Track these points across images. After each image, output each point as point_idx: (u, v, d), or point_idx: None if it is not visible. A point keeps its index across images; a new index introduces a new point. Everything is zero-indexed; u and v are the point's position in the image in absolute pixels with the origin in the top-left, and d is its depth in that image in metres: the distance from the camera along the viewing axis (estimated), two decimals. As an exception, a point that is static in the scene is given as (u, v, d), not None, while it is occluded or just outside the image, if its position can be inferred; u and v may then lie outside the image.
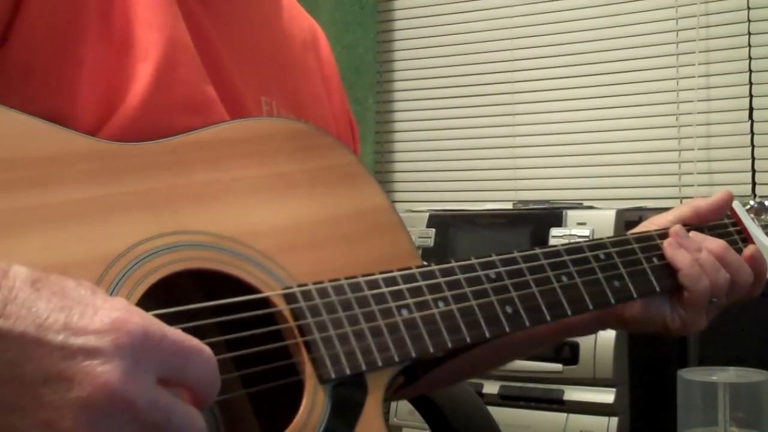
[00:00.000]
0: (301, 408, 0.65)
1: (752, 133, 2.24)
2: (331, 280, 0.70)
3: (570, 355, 1.85)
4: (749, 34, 2.24)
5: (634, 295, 0.87)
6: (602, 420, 1.83)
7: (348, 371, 0.67)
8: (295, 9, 0.99)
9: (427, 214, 2.13)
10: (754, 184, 2.23)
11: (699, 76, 2.29)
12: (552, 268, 0.82)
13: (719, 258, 0.90)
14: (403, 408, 2.03)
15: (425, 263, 0.77)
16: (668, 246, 0.91)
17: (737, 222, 0.99)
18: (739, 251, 0.94)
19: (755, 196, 2.19)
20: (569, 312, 0.82)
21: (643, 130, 2.37)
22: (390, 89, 2.79)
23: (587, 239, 0.90)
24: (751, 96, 2.24)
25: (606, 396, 1.83)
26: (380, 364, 0.69)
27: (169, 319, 0.56)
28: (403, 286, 0.73)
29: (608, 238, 0.89)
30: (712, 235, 0.94)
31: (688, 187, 2.31)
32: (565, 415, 1.88)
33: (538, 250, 0.83)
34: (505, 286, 0.78)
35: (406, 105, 2.76)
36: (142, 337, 0.50)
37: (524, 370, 1.89)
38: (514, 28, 2.56)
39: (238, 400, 0.72)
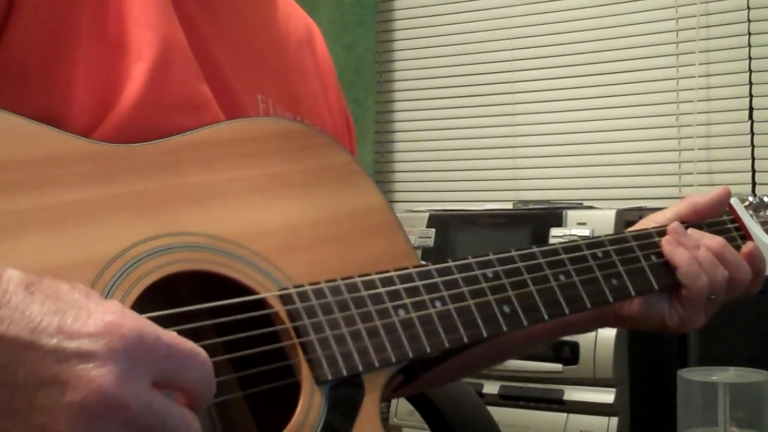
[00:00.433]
0: (298, 409, 0.65)
1: (752, 133, 2.24)
2: (327, 281, 0.70)
3: (570, 355, 1.85)
4: (749, 34, 2.24)
5: (632, 294, 0.87)
6: (602, 420, 1.83)
7: (345, 372, 0.67)
8: (290, 6, 0.99)
9: (427, 214, 2.12)
10: (754, 184, 2.22)
11: (699, 76, 2.29)
12: (550, 267, 0.82)
13: (717, 255, 0.90)
14: (403, 408, 2.03)
15: (423, 263, 0.76)
16: (666, 243, 0.90)
17: (736, 219, 0.99)
18: (738, 248, 0.94)
19: (756, 195, 2.19)
20: (567, 311, 0.81)
21: (643, 130, 2.37)
22: (390, 89, 2.79)
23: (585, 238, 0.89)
24: (751, 96, 2.24)
25: (606, 396, 1.83)
26: (377, 364, 0.68)
27: (166, 321, 0.56)
28: (400, 286, 0.73)
29: (606, 236, 0.89)
30: (710, 232, 0.94)
31: (688, 187, 2.31)
32: (565, 415, 1.87)
33: (535, 249, 0.82)
34: (503, 285, 0.78)
35: (406, 105, 2.76)
36: (136, 340, 0.49)
37: (524, 370, 1.89)
38: (514, 28, 2.56)
39: (235, 402, 0.72)
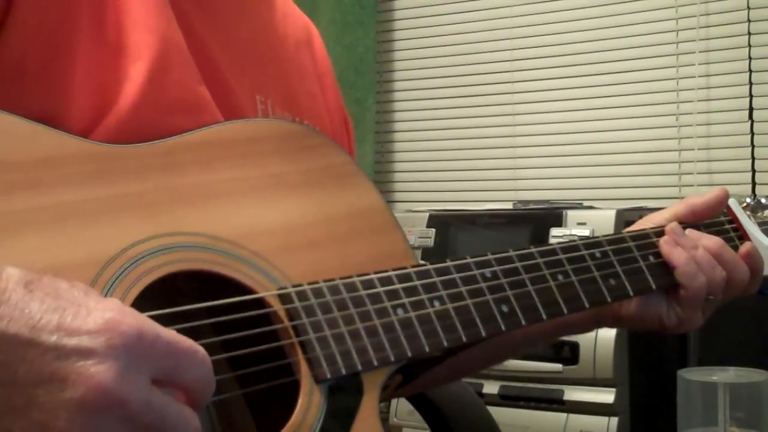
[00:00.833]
0: (297, 408, 0.65)
1: (752, 133, 2.24)
2: (326, 280, 0.70)
3: (570, 355, 1.85)
4: (749, 34, 2.24)
5: (631, 293, 0.87)
6: (602, 420, 1.83)
7: (344, 371, 0.67)
8: (288, 6, 0.99)
9: (427, 214, 2.12)
10: (754, 184, 2.22)
11: (699, 76, 2.29)
12: (548, 267, 0.82)
13: (715, 255, 0.90)
14: (403, 408, 2.03)
15: (421, 263, 0.76)
16: (664, 244, 0.90)
17: (733, 219, 0.99)
18: (735, 249, 0.94)
19: (755, 196, 2.19)
20: (565, 311, 0.81)
21: (643, 130, 2.37)
22: (390, 89, 2.79)
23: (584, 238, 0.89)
24: (751, 96, 2.24)
25: (606, 396, 1.83)
26: (376, 363, 0.68)
27: (165, 320, 0.56)
28: (398, 286, 0.73)
29: (604, 236, 0.89)
30: (708, 233, 0.94)
31: (688, 187, 2.31)
32: (565, 415, 1.87)
33: (533, 249, 0.83)
34: (501, 285, 0.78)
35: (406, 105, 2.76)
36: (136, 337, 0.50)
37: (524, 370, 1.89)
38: (514, 28, 2.56)
39: (234, 401, 0.72)
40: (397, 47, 2.77)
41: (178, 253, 0.66)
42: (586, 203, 2.13)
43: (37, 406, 0.47)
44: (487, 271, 0.78)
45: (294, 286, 0.69)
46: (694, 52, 2.30)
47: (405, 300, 0.72)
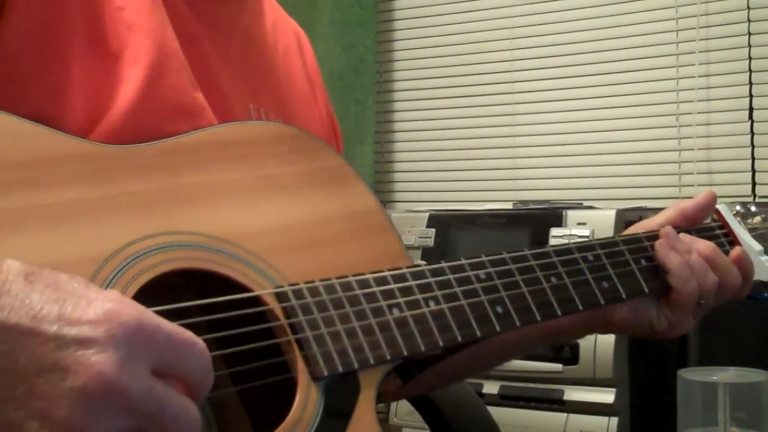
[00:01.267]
0: (295, 405, 0.65)
1: (752, 133, 2.24)
2: (322, 280, 0.71)
3: (570, 355, 1.85)
4: (749, 34, 2.24)
5: (623, 296, 0.88)
6: (602, 420, 1.83)
7: (340, 369, 0.67)
8: (277, 14, 1.00)
9: (427, 214, 2.12)
10: (754, 184, 2.22)
11: (699, 76, 2.29)
12: (541, 269, 0.83)
13: (708, 260, 0.91)
14: (403, 408, 2.03)
15: (416, 263, 0.77)
16: (659, 247, 0.91)
17: (724, 225, 1.00)
18: (726, 254, 0.94)
19: (755, 196, 2.19)
20: (559, 312, 0.82)
21: (643, 130, 2.37)
22: (390, 89, 2.79)
23: (578, 241, 0.90)
24: (751, 96, 2.24)
25: (606, 396, 1.83)
26: (372, 362, 0.69)
27: (162, 317, 0.56)
28: (393, 286, 0.73)
29: (597, 240, 0.90)
30: (699, 237, 0.94)
31: (688, 187, 2.31)
32: (565, 415, 1.87)
33: (527, 251, 0.84)
34: (495, 286, 0.79)
35: (406, 105, 2.76)
36: (136, 328, 0.50)
37: (524, 370, 1.89)
38: (514, 28, 2.56)
39: (229, 399, 0.72)
40: (397, 47, 2.77)
41: (175, 252, 0.67)
42: (586, 203, 2.13)
43: (37, 395, 0.48)
44: (482, 273, 0.79)
45: (290, 285, 0.69)
46: (694, 52, 2.30)
47: (400, 299, 0.73)
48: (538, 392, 1.90)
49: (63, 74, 0.71)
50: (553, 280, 0.83)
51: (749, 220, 1.01)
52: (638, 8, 2.37)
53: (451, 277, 0.77)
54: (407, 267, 0.76)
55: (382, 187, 2.75)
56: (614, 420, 1.82)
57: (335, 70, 2.62)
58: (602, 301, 0.86)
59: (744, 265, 0.95)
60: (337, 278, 0.71)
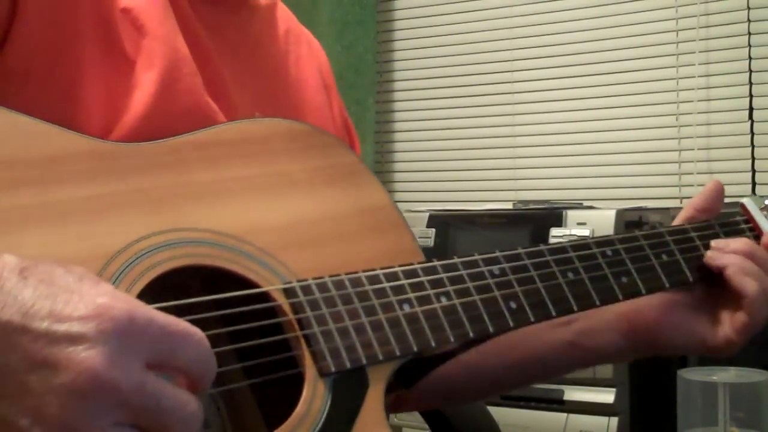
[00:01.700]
0: (302, 400, 0.65)
1: (752, 133, 2.24)
2: (331, 276, 0.70)
3: (570, 355, 1.85)
4: (749, 34, 2.24)
5: (642, 291, 0.86)
6: (602, 420, 1.83)
7: (348, 365, 0.67)
8: (289, 22, 1.00)
9: (427, 214, 2.12)
10: (754, 184, 2.22)
11: (699, 76, 2.29)
12: (557, 264, 0.81)
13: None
14: (403, 408, 2.03)
15: (428, 260, 0.77)
16: (734, 274, 0.87)
17: (749, 219, 0.98)
18: None
19: (756, 195, 2.19)
20: (575, 307, 0.81)
21: (643, 130, 2.37)
22: (390, 89, 2.79)
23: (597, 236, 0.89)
24: (751, 96, 2.24)
25: (606, 396, 1.83)
26: (381, 357, 0.69)
27: (171, 313, 0.56)
28: (404, 281, 0.73)
29: (616, 235, 0.88)
30: (725, 233, 0.93)
31: (688, 187, 2.31)
32: (565, 415, 1.87)
33: (543, 247, 0.82)
34: (509, 281, 0.78)
35: (406, 105, 2.76)
36: (127, 322, 0.50)
37: (524, 370, 1.89)
38: (514, 28, 2.56)
39: (241, 394, 0.72)
40: (397, 47, 2.77)
41: (183, 249, 0.67)
42: (586, 203, 2.13)
43: (29, 392, 0.48)
44: (495, 268, 0.78)
45: (299, 281, 0.69)
46: (694, 52, 2.30)
47: (411, 295, 0.72)
48: (538, 392, 1.90)
49: (76, 77, 0.71)
50: (570, 275, 0.82)
51: None
52: (638, 8, 2.37)
53: (463, 272, 0.76)
54: (419, 263, 0.75)
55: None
56: (614, 420, 1.82)
57: (335, 70, 2.60)
58: (620, 297, 0.84)
59: None
60: (347, 274, 0.71)
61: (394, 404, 0.93)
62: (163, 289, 0.64)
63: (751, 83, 2.24)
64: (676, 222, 0.96)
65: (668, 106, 2.34)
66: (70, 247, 0.62)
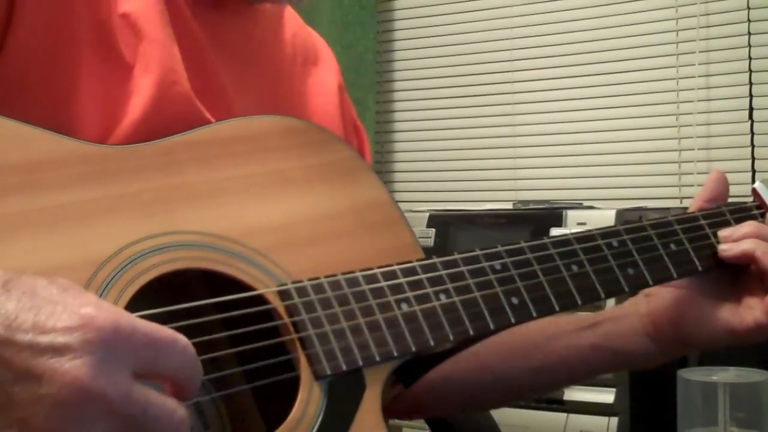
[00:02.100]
0: (296, 403, 0.65)
1: (752, 133, 2.24)
2: (327, 276, 0.70)
3: (570, 355, 1.85)
4: (749, 34, 2.24)
5: (650, 282, 0.84)
6: (602, 420, 1.83)
7: (344, 367, 0.66)
8: (298, 26, 0.98)
9: (427, 214, 2.12)
10: (752, 199, 2.22)
11: (699, 76, 2.29)
12: (561, 258, 0.80)
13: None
14: (403, 408, 2.03)
15: (428, 256, 0.76)
16: (765, 252, 0.85)
17: (762, 204, 0.95)
18: None
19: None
20: (579, 301, 0.79)
21: (643, 130, 2.37)
22: (390, 89, 2.79)
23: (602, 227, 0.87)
24: (751, 96, 2.24)
25: (606, 396, 1.83)
26: (378, 358, 0.68)
27: (163, 319, 0.56)
28: (402, 280, 0.72)
29: (623, 225, 0.86)
30: (735, 219, 0.91)
31: (688, 187, 2.31)
32: (565, 415, 1.87)
33: (546, 240, 0.80)
34: (511, 276, 0.76)
35: (406, 105, 2.76)
36: (112, 331, 0.49)
37: (524, 370, 1.89)
38: (514, 28, 2.56)
39: (242, 397, 0.72)
40: (397, 47, 2.77)
41: (174, 252, 0.66)
42: (586, 203, 2.13)
43: (15, 404, 0.48)
44: (497, 263, 0.77)
45: (293, 283, 0.68)
46: (694, 52, 2.30)
47: (409, 294, 0.71)
48: (538, 392, 1.90)
49: (73, 84, 0.70)
50: (574, 268, 0.80)
51: None
52: (638, 8, 2.37)
53: (464, 269, 0.75)
54: (418, 260, 0.74)
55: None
56: (614, 420, 1.82)
57: (335, 70, 2.62)
58: (627, 289, 0.82)
59: None
60: (343, 274, 0.70)
61: (408, 411, 0.93)
62: (156, 294, 0.63)
63: (751, 83, 2.24)
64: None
65: (668, 106, 2.34)
66: (59, 255, 0.61)
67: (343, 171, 0.79)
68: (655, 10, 2.35)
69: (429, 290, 0.73)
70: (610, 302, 1.34)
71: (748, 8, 2.23)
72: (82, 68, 0.71)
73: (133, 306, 0.62)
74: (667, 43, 2.34)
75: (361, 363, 0.67)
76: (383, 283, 0.71)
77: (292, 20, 0.98)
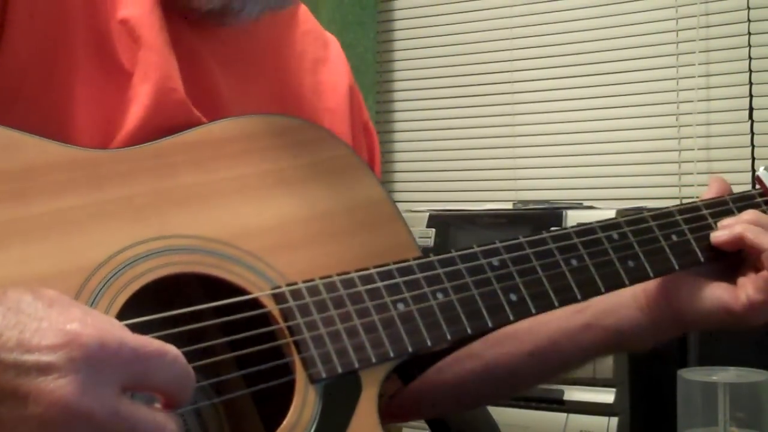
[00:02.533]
0: (292, 408, 0.64)
1: (752, 133, 2.24)
2: (322, 278, 0.69)
3: (570, 355, 1.85)
4: (749, 34, 2.24)
5: (651, 275, 0.83)
6: (602, 420, 1.83)
7: (340, 369, 0.66)
8: (309, 24, 0.97)
9: (427, 214, 2.12)
10: (754, 184, 2.22)
11: (699, 76, 2.29)
12: (561, 252, 0.79)
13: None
14: (403, 408, 2.03)
15: (425, 255, 0.75)
16: (752, 232, 0.84)
17: (765, 192, 0.95)
18: None
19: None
20: (579, 296, 0.78)
21: (643, 130, 2.37)
22: (390, 89, 2.79)
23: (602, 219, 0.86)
24: (751, 96, 2.24)
25: (606, 396, 1.83)
26: (374, 360, 0.67)
27: (156, 326, 0.56)
28: (399, 280, 0.71)
29: (623, 217, 0.85)
30: (738, 208, 0.90)
31: (688, 187, 2.30)
32: (565, 415, 1.87)
33: (545, 234, 0.80)
34: (510, 273, 0.76)
35: (406, 105, 2.76)
36: (97, 348, 0.49)
37: (524, 370, 1.89)
38: (514, 28, 2.56)
39: (241, 401, 0.71)
40: (397, 47, 2.77)
41: (167, 257, 0.65)
42: (586, 203, 2.13)
43: (2, 424, 0.47)
44: (495, 260, 0.76)
45: (288, 285, 0.68)
46: (694, 52, 2.30)
47: (406, 294, 0.71)
48: (538, 392, 1.89)
49: (69, 93, 0.69)
50: (574, 262, 0.79)
51: None
52: (638, 8, 2.37)
53: (461, 266, 0.74)
54: (414, 259, 0.73)
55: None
56: (614, 420, 1.82)
57: (335, 70, 2.62)
58: (627, 282, 0.81)
59: None
60: (339, 275, 0.69)
61: (407, 412, 0.92)
62: (150, 299, 0.63)
63: (751, 83, 2.23)
64: None
65: (668, 106, 2.34)
66: (51, 263, 0.61)
67: (337, 169, 0.78)
68: (655, 10, 2.35)
69: (426, 289, 0.72)
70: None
71: (748, 8, 2.23)
72: (79, 75, 0.70)
73: (127, 311, 0.61)
74: (667, 43, 2.34)
75: (357, 365, 0.67)
76: (379, 284, 0.70)
77: (305, 18, 0.96)
